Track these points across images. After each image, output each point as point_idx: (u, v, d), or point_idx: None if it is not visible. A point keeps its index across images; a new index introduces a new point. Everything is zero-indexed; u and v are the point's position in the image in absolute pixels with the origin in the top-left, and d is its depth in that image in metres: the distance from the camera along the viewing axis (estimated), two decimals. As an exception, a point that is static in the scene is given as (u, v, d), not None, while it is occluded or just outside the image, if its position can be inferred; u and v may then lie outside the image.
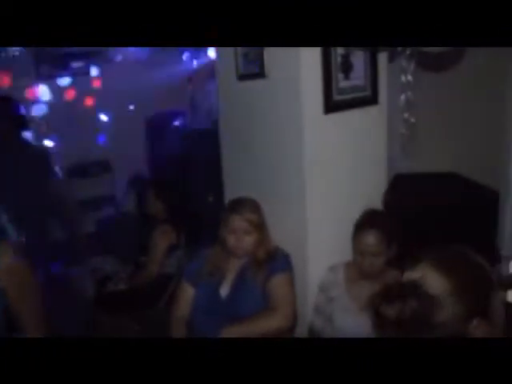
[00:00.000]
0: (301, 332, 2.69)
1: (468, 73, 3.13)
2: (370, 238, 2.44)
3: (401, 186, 2.92)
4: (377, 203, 2.78)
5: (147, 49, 5.81)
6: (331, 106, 2.54)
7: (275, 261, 2.54)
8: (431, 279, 1.29)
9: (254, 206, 2.56)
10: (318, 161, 2.61)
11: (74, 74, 5.98)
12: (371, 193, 2.79)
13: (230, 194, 3.04)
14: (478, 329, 1.28)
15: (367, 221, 2.52)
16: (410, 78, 2.21)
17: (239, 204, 2.57)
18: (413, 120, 2.31)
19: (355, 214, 2.58)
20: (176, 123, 5.89)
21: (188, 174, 5.09)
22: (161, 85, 6.04)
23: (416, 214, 2.69)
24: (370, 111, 2.74)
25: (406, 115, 2.30)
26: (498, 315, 1.33)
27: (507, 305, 2.90)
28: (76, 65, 5.94)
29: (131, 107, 6.18)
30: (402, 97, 2.39)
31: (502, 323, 1.35)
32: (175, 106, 6.20)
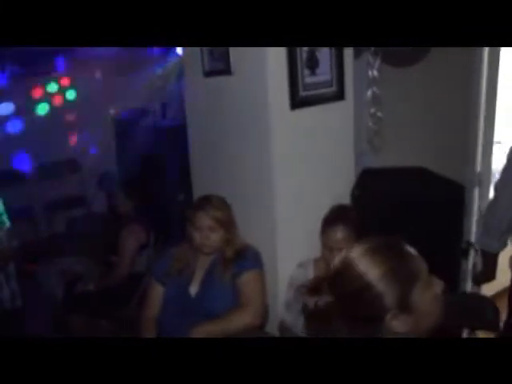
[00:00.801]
0: (272, 329, 2.69)
1: (434, 67, 3.16)
2: (338, 234, 2.45)
3: (368, 181, 2.93)
4: (345, 198, 2.79)
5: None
6: (297, 102, 2.54)
7: (244, 259, 2.53)
8: (359, 265, 1.32)
9: (219, 203, 2.54)
10: (286, 157, 2.60)
11: (40, 73, 5.88)
12: (339, 188, 2.80)
13: (198, 192, 3.02)
14: (392, 321, 1.29)
15: (335, 216, 2.53)
16: (375, 73, 2.22)
17: (205, 201, 2.55)
18: (379, 114, 2.32)
19: (324, 209, 2.59)
20: (145, 121, 5.82)
21: (159, 173, 5.05)
22: (129, 82, 5.98)
23: (384, 209, 2.70)
24: (337, 107, 2.73)
25: (372, 110, 2.31)
26: (420, 311, 1.31)
27: (481, 297, 2.94)
28: (42, 63, 5.84)
29: (99, 105, 6.10)
30: (369, 92, 2.41)
31: (425, 320, 1.33)
32: (145, 103, 6.14)
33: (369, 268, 1.31)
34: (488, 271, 2.67)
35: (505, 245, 2.58)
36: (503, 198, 2.52)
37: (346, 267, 1.34)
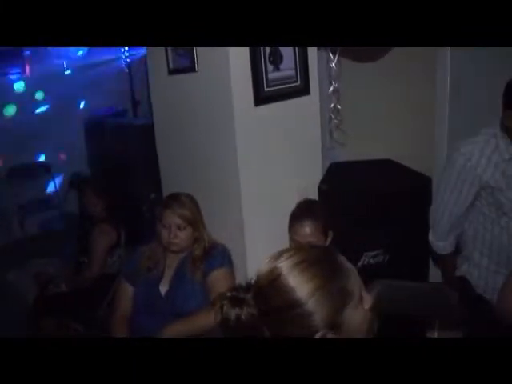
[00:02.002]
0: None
1: (398, 59, 3.16)
2: (306, 229, 2.46)
3: (336, 175, 2.95)
4: (313, 193, 2.80)
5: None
6: (261, 98, 2.54)
7: (213, 257, 2.53)
8: (288, 279, 1.19)
9: (187, 201, 2.54)
10: (252, 154, 2.60)
11: (8, 73, 5.82)
12: (307, 183, 2.81)
13: (168, 190, 3.01)
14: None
15: (302, 211, 2.53)
16: (334, 67, 2.23)
17: (173, 199, 2.55)
18: (339, 106, 2.33)
19: (291, 204, 2.59)
20: (117, 120, 5.78)
21: (130, 172, 5.02)
22: (99, 81, 5.95)
23: (352, 202, 2.72)
24: (302, 101, 2.74)
25: (332, 104, 2.32)
26: (350, 329, 1.21)
27: (442, 284, 2.95)
28: (12, 62, 5.78)
29: (70, 106, 6.05)
30: (331, 86, 2.42)
31: (354, 336, 1.22)
32: (115, 102, 6.12)
33: (298, 283, 1.18)
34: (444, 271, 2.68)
35: (450, 246, 2.51)
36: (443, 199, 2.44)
37: (274, 280, 1.20)
